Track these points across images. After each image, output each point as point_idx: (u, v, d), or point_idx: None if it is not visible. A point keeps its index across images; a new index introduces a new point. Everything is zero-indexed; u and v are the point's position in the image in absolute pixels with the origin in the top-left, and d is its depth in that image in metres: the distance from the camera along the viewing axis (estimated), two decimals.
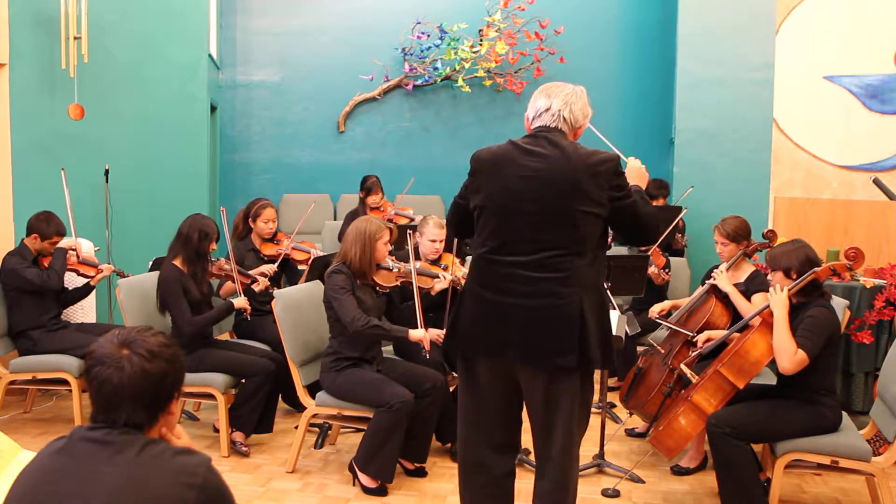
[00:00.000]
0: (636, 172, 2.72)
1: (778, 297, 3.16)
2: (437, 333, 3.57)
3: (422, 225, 4.31)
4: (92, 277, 4.53)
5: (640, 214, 2.50)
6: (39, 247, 4.37)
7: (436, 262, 4.28)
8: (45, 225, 4.35)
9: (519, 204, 2.42)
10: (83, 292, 4.58)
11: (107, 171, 5.88)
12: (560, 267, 2.38)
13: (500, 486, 2.61)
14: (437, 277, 4.00)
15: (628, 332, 3.83)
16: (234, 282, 4.28)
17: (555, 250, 2.39)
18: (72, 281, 4.60)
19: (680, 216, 5.54)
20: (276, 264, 4.72)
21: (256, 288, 4.35)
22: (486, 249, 2.48)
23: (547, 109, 2.50)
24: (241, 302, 4.15)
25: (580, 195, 2.38)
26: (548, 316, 2.38)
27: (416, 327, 3.67)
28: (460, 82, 7.17)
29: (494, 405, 2.54)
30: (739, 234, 3.95)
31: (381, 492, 3.53)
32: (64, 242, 4.52)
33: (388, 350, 4.16)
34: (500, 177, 2.45)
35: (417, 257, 4.22)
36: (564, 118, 2.49)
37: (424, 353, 3.62)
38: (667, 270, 4.98)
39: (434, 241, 4.21)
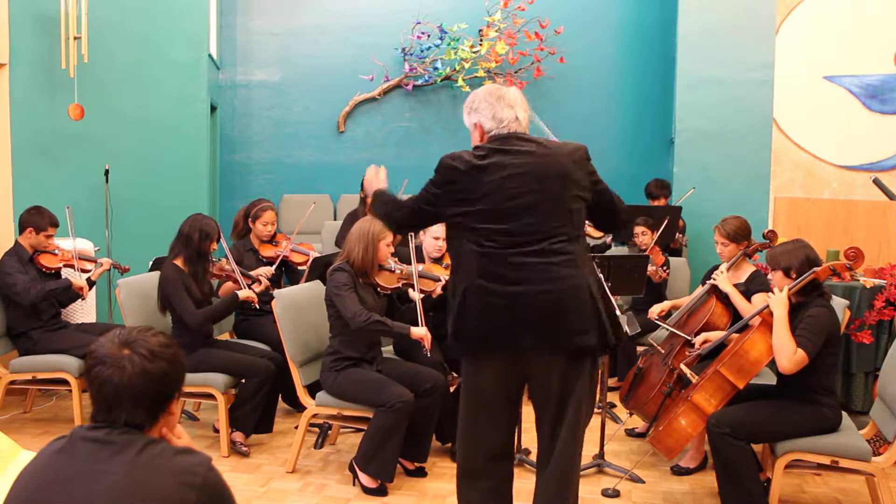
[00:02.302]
0: None
1: (777, 297, 3.17)
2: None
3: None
4: (92, 272, 4.52)
5: (615, 199, 2.64)
6: (35, 241, 4.36)
7: (438, 261, 4.27)
8: (38, 217, 4.35)
9: (517, 199, 2.44)
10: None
11: (107, 171, 5.88)
12: (565, 251, 2.46)
13: (500, 491, 2.62)
14: (439, 280, 3.99)
15: (628, 332, 3.82)
16: (234, 282, 4.27)
17: (558, 237, 2.45)
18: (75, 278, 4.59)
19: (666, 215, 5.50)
20: (275, 266, 4.71)
21: (257, 288, 4.35)
22: (488, 246, 2.46)
23: (515, 119, 2.54)
24: (246, 293, 4.12)
25: (571, 182, 2.48)
26: (565, 298, 2.43)
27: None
28: (460, 82, 7.17)
29: (498, 409, 2.55)
30: (740, 234, 3.95)
31: (381, 492, 3.53)
32: (61, 242, 4.52)
33: (388, 350, 4.16)
34: (488, 179, 2.45)
35: (420, 259, 4.22)
36: (525, 124, 2.58)
37: (425, 350, 3.62)
38: (665, 268, 4.98)
39: (438, 238, 4.19)
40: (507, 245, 2.45)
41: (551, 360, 2.47)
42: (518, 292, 2.43)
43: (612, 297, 2.73)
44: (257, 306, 4.26)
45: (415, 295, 3.81)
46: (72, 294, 4.42)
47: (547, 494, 2.54)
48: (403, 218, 2.71)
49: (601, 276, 2.84)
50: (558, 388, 2.48)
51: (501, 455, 2.61)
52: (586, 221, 2.63)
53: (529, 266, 2.43)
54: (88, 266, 4.56)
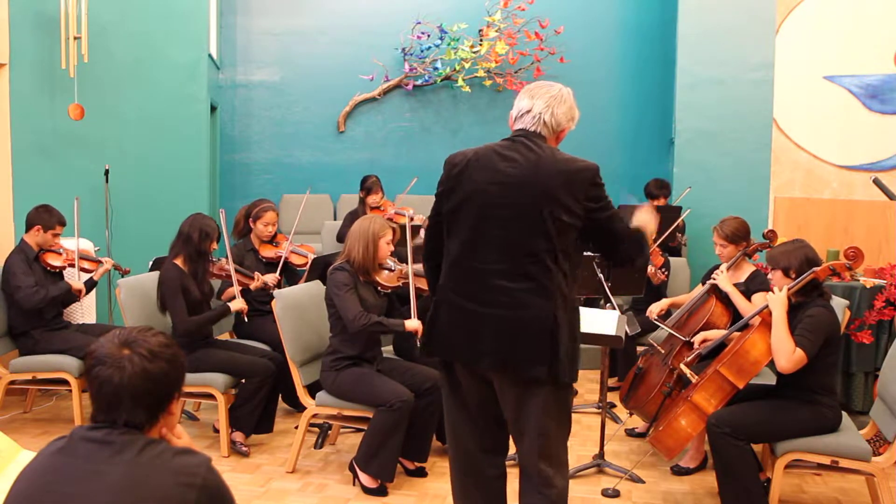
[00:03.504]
0: (645, 221, 2.56)
1: (776, 297, 3.17)
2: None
3: (426, 221, 4.30)
4: (94, 272, 4.53)
5: (618, 230, 2.41)
6: (41, 240, 4.37)
7: None
8: (46, 215, 4.37)
9: (494, 209, 2.37)
10: (86, 288, 4.58)
11: (107, 171, 5.88)
12: (534, 276, 2.34)
13: (492, 487, 2.60)
14: None
15: (628, 332, 3.82)
16: (234, 281, 4.28)
17: (528, 258, 2.34)
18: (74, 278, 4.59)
19: (681, 217, 5.55)
20: (278, 271, 4.70)
21: (252, 286, 4.35)
22: (459, 256, 2.43)
23: (528, 111, 2.42)
24: (237, 304, 4.13)
25: (553, 201, 2.32)
26: (521, 326, 2.34)
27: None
28: (460, 82, 7.17)
29: (477, 408, 2.53)
30: (738, 235, 3.96)
31: (381, 492, 3.53)
32: (64, 242, 4.52)
33: (388, 350, 4.17)
34: (475, 181, 2.40)
35: (418, 258, 4.22)
36: (545, 122, 2.41)
37: (416, 341, 3.65)
38: (664, 270, 4.99)
39: None
40: (477, 257, 2.39)
41: (505, 384, 2.42)
42: (479, 312, 2.38)
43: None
44: (246, 318, 4.26)
45: (411, 289, 3.81)
46: (71, 297, 4.43)
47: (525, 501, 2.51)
48: (424, 246, 2.64)
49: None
50: (516, 408, 2.43)
51: (491, 450, 2.58)
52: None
53: (496, 288, 2.36)
54: (91, 266, 4.57)
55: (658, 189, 6.21)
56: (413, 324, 3.67)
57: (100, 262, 4.60)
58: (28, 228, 4.39)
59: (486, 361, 2.40)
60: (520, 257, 2.35)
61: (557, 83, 2.51)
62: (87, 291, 4.55)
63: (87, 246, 4.94)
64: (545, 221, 2.32)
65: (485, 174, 2.40)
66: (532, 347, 2.34)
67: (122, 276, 4.48)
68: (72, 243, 4.57)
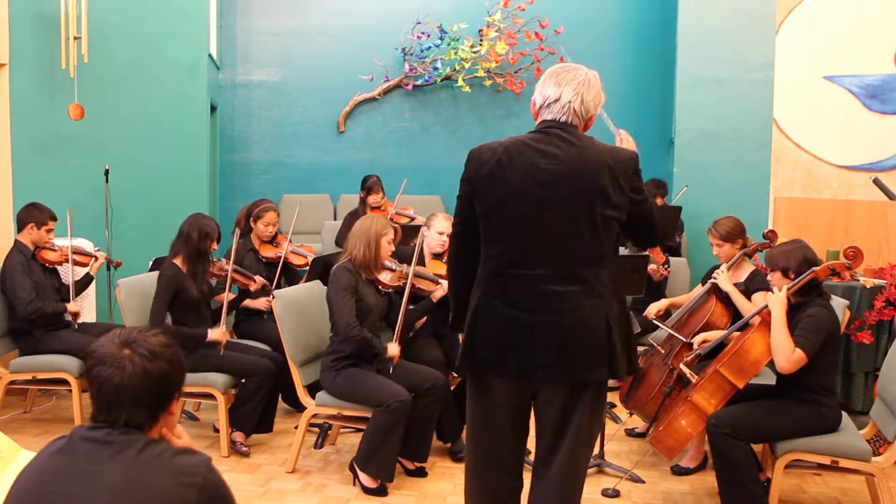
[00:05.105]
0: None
1: (776, 297, 3.17)
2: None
3: (430, 219, 4.29)
4: (89, 266, 4.55)
5: (655, 217, 2.35)
6: (36, 237, 4.38)
7: (439, 257, 4.25)
8: (37, 212, 4.39)
9: (539, 212, 2.22)
10: (84, 283, 4.58)
11: (107, 171, 5.88)
12: (585, 277, 2.23)
13: (509, 502, 2.51)
14: (438, 283, 3.97)
15: None
16: (234, 281, 4.27)
17: (579, 259, 2.23)
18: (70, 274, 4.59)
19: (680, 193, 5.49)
20: (278, 271, 4.68)
21: (253, 288, 4.35)
22: (503, 262, 2.27)
23: (556, 100, 2.29)
24: (215, 334, 3.97)
25: (603, 199, 2.21)
26: (578, 331, 2.24)
27: (417, 329, 3.72)
28: (460, 82, 7.17)
29: (507, 424, 2.40)
30: (733, 233, 3.96)
31: (381, 492, 3.53)
32: (57, 241, 4.53)
33: None
34: (514, 180, 2.24)
35: (419, 262, 4.22)
36: (575, 111, 2.29)
37: (391, 367, 3.63)
38: (666, 266, 4.99)
39: (442, 233, 4.17)
40: (524, 263, 2.24)
41: (555, 390, 2.31)
42: (533, 321, 2.24)
43: (633, 321, 2.46)
44: (222, 352, 4.00)
45: (406, 293, 3.80)
46: (83, 282, 4.50)
47: None
48: (452, 250, 2.47)
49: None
50: (561, 415, 2.32)
51: (513, 468, 2.45)
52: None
53: (546, 293, 2.22)
54: (84, 260, 4.58)
55: (655, 188, 6.20)
56: (393, 350, 3.65)
57: (93, 256, 4.61)
58: (21, 228, 4.40)
59: (540, 373, 2.27)
60: (570, 260, 2.23)
61: (582, 66, 2.38)
62: (86, 287, 4.56)
63: (86, 245, 4.95)
64: (594, 220, 2.21)
65: (523, 172, 2.24)
66: (590, 351, 2.24)
67: (116, 269, 4.48)
68: (66, 241, 4.58)
